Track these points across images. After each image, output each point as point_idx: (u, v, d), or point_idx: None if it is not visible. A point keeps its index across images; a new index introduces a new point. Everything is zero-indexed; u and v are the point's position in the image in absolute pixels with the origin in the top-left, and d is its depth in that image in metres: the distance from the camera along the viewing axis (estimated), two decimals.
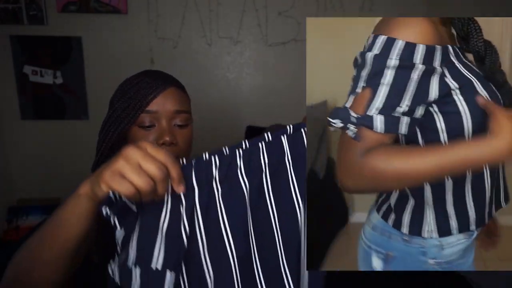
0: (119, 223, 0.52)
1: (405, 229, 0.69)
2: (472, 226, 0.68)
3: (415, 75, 0.52)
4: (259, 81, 2.75)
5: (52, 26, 2.53)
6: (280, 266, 0.57)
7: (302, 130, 0.59)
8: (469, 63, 0.62)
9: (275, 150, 0.57)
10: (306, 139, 0.59)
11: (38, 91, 2.62)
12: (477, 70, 0.61)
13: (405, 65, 0.52)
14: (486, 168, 0.65)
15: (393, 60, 0.52)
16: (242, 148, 0.57)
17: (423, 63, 0.52)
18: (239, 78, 2.73)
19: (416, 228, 0.68)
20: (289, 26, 2.63)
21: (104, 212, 0.51)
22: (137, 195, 0.49)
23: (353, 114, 0.55)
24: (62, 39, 2.56)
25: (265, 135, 0.59)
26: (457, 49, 0.59)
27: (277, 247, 0.57)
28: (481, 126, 0.57)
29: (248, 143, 0.58)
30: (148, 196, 0.49)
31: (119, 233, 0.53)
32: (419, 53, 0.52)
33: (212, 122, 2.76)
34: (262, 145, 0.57)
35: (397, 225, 0.70)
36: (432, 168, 0.51)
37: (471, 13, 2.18)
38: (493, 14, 2.00)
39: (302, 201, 0.57)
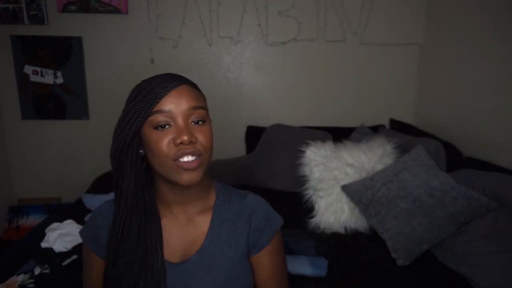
0: None
1: None
2: None
3: None
4: (259, 81, 2.75)
5: (53, 26, 2.54)
6: None
7: None
8: None
9: None
10: None
11: (38, 91, 2.63)
12: None
13: None
14: None
15: None
16: None
17: None
18: (239, 78, 2.74)
19: None
20: (289, 26, 2.63)
21: None
22: None
23: None
24: (63, 39, 2.57)
25: None
26: None
27: None
28: None
29: None
30: None
31: None
32: None
33: (213, 122, 2.74)
34: None
35: None
36: None
37: (470, 13, 2.18)
38: (492, 14, 2.00)
39: None
